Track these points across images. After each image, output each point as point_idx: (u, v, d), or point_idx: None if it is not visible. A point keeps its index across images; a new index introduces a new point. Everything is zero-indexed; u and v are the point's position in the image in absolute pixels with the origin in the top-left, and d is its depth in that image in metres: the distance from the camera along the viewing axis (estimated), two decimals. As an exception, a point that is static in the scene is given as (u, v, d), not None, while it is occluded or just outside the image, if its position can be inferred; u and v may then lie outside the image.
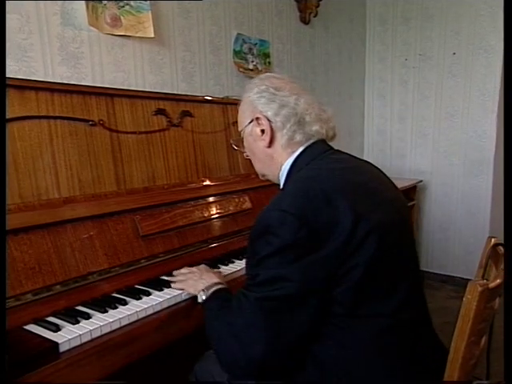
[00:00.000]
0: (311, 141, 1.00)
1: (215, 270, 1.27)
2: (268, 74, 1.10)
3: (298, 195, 0.85)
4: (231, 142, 1.17)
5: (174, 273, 1.24)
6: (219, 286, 1.05)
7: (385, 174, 1.05)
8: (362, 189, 0.91)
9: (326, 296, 0.83)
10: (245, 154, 1.12)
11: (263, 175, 1.11)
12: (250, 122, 1.03)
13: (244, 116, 1.06)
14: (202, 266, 1.23)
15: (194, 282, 1.12)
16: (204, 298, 1.02)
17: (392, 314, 0.87)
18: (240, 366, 0.84)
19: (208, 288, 1.04)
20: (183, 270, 1.23)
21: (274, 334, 0.80)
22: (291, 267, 0.80)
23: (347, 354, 0.85)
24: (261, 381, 0.87)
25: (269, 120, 0.99)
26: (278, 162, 1.03)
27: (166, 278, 1.25)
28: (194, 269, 1.21)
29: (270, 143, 1.01)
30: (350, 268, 0.82)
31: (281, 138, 1.00)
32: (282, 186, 1.03)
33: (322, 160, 0.98)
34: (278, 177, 1.05)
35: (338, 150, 1.05)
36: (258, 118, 1.01)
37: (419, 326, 0.93)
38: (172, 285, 1.18)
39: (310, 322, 0.83)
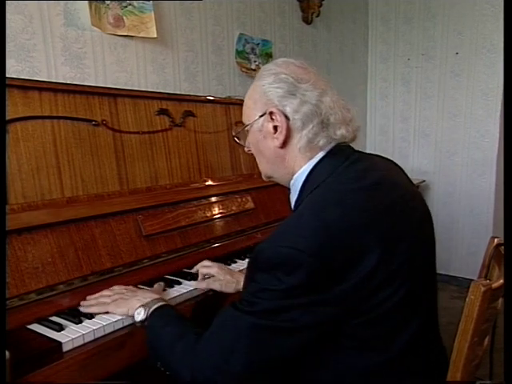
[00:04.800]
0: (331, 145, 0.87)
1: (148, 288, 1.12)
2: (285, 59, 0.91)
3: (317, 230, 0.73)
4: (233, 133, 1.04)
5: (88, 297, 1.06)
6: (162, 302, 0.93)
7: (410, 180, 0.96)
8: (391, 213, 0.80)
9: (331, 329, 0.77)
10: (246, 149, 0.98)
11: (269, 177, 0.97)
12: (262, 116, 0.88)
13: (254, 107, 0.90)
14: (131, 287, 1.09)
15: (125, 302, 0.98)
16: (144, 316, 0.90)
17: (405, 345, 0.81)
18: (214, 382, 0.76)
19: (149, 304, 0.92)
20: (105, 292, 1.06)
21: (258, 357, 0.74)
22: (298, 302, 0.72)
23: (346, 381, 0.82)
24: None
25: (286, 117, 0.85)
26: (289, 166, 0.89)
27: (170, 277, 1.25)
28: (119, 289, 1.07)
29: (284, 143, 0.86)
30: (371, 306, 0.76)
31: (299, 140, 0.86)
32: (293, 204, 0.90)
33: (343, 175, 0.84)
34: (288, 183, 0.92)
35: (360, 154, 0.91)
36: (271, 113, 0.85)
37: (429, 339, 0.90)
38: (85, 309, 1.01)
39: (300, 349, 0.77)
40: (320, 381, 0.84)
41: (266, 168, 0.96)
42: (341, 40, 3.16)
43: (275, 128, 0.86)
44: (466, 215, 3.16)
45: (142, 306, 0.92)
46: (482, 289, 0.77)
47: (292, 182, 0.91)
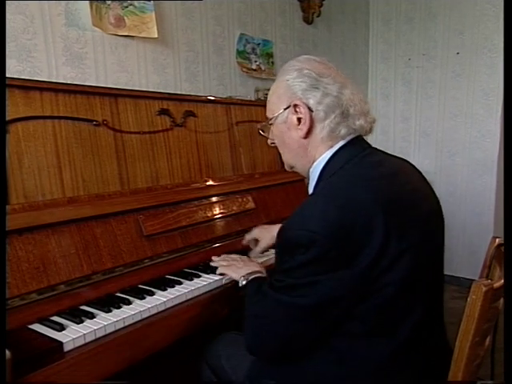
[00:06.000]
0: (351, 136, 0.93)
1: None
2: (307, 56, 0.98)
3: (330, 214, 0.78)
4: (258, 127, 1.09)
5: (215, 258, 1.31)
6: (258, 274, 1.10)
7: (423, 177, 1.00)
8: (401, 203, 0.85)
9: (346, 310, 0.82)
10: (269, 141, 1.05)
11: (291, 167, 1.04)
12: (286, 109, 0.94)
13: (278, 101, 0.96)
14: (245, 257, 1.28)
15: (236, 269, 1.17)
16: (244, 283, 1.08)
17: (409, 332, 0.84)
18: (252, 352, 0.95)
19: (249, 274, 1.10)
20: (224, 257, 1.30)
21: (287, 338, 0.86)
22: (316, 278, 0.79)
23: (351, 371, 0.85)
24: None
25: (309, 109, 0.90)
26: (311, 155, 0.96)
27: (170, 277, 1.25)
28: (235, 256, 1.27)
29: (307, 134, 0.93)
30: (378, 287, 0.80)
31: (321, 130, 0.91)
32: (311, 189, 0.96)
33: (359, 164, 0.90)
34: (308, 172, 0.99)
35: (375, 149, 0.98)
36: (296, 105, 0.92)
37: (433, 332, 0.92)
38: (217, 267, 1.25)
39: (324, 329, 0.85)
40: (326, 369, 0.87)
41: (288, 158, 1.02)
42: (341, 40, 3.15)
43: (299, 120, 0.93)
44: (467, 215, 3.15)
45: (244, 275, 1.10)
46: (484, 289, 0.77)
47: (311, 169, 0.97)
